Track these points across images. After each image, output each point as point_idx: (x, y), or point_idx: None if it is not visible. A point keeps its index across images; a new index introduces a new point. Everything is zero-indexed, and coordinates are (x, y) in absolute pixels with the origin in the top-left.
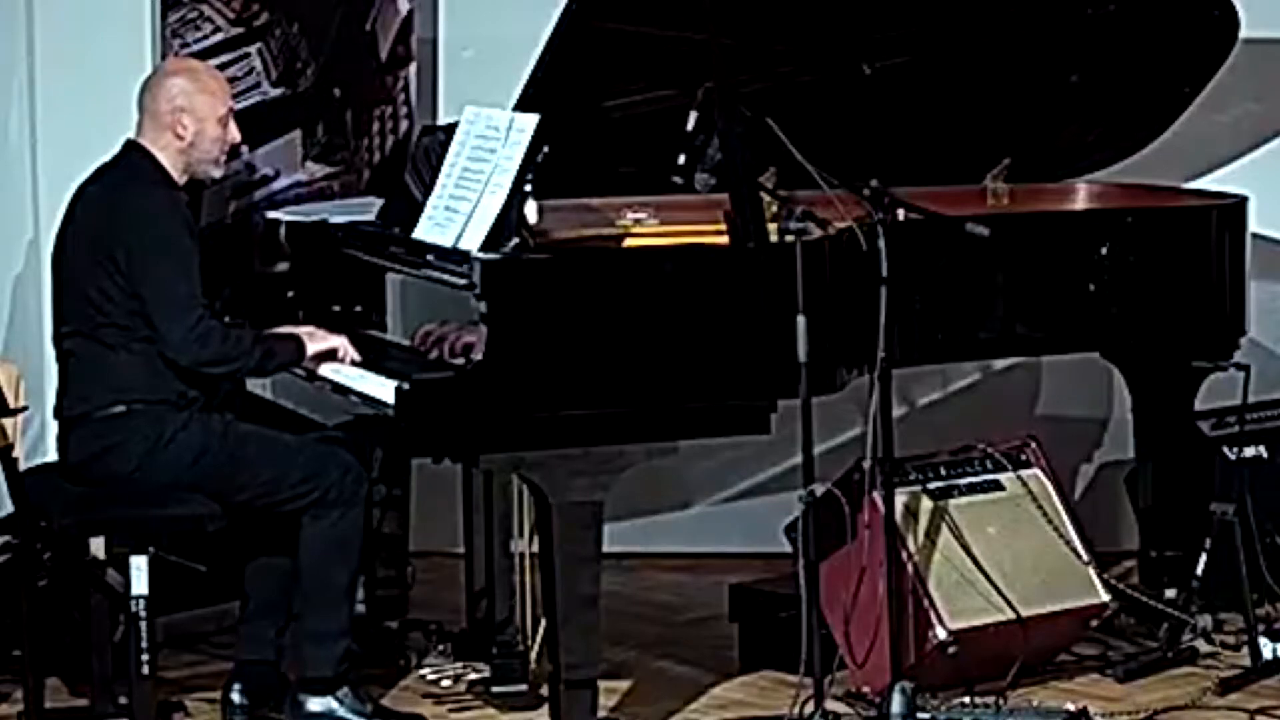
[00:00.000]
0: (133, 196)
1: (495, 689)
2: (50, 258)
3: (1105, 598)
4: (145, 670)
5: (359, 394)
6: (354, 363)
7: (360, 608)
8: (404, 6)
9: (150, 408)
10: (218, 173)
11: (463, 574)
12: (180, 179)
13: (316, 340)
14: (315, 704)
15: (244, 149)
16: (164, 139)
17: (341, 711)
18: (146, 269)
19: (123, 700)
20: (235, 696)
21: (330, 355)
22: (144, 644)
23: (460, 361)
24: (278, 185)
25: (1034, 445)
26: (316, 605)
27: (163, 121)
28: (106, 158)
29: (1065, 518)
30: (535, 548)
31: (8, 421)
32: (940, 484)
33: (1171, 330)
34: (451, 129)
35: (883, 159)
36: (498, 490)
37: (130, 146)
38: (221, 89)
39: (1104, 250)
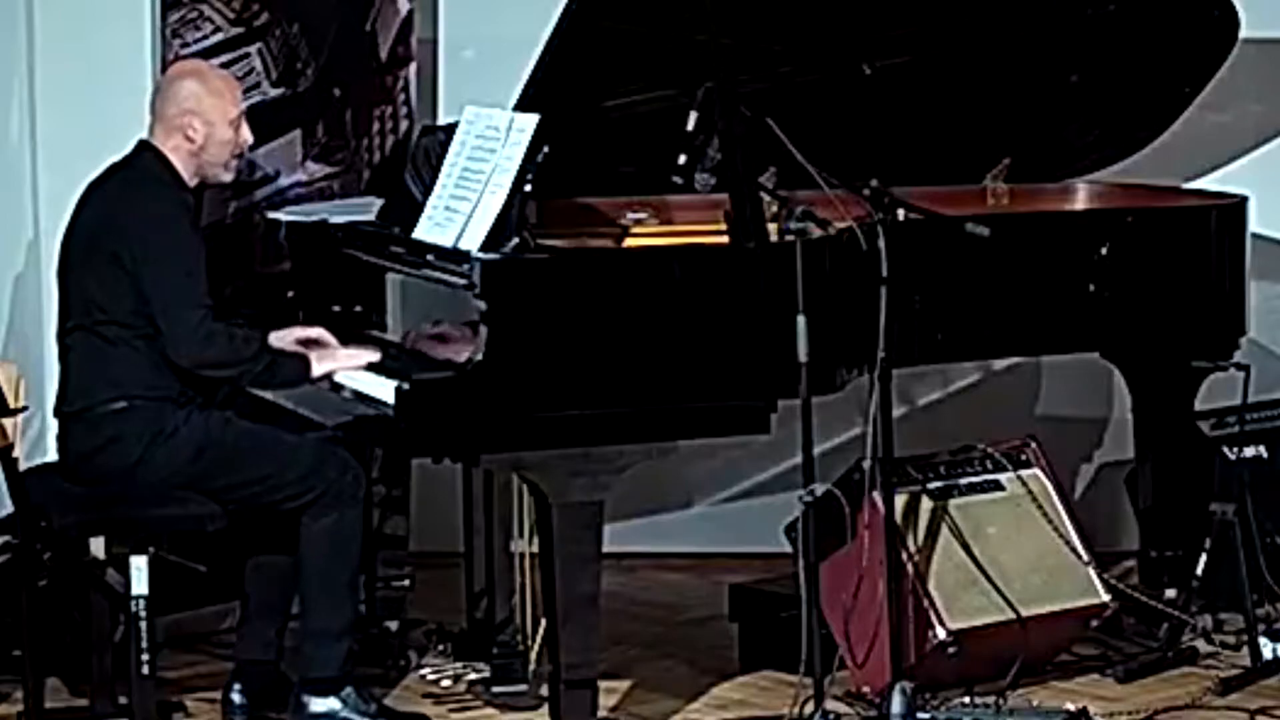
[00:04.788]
0: (141, 197)
1: (495, 689)
2: (58, 255)
3: (1105, 598)
4: (145, 670)
5: (359, 394)
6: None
7: (360, 608)
8: (404, 6)
9: (151, 404)
10: (228, 176)
11: (463, 574)
12: (191, 181)
13: (324, 361)
14: (319, 704)
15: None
16: (174, 141)
17: (345, 712)
18: (152, 270)
19: (123, 700)
20: (235, 696)
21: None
22: (144, 644)
23: (458, 362)
24: (278, 185)
25: (1034, 445)
26: (317, 605)
27: (173, 124)
28: (117, 157)
29: (1065, 518)
30: (535, 548)
31: (8, 421)
32: (940, 484)
33: (1171, 330)
34: (451, 129)
35: (883, 159)
36: (498, 490)
37: (142, 147)
38: (232, 92)
39: (1104, 250)
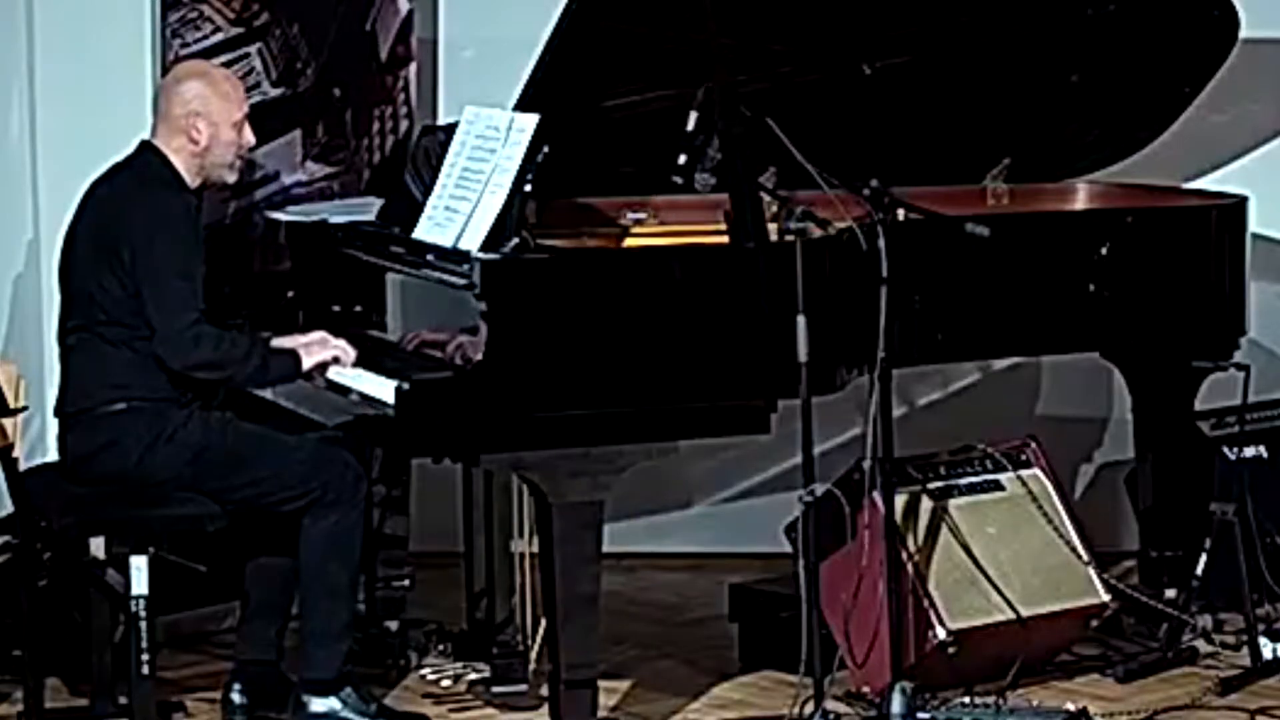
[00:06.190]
0: (143, 198)
1: (495, 689)
2: (60, 254)
3: (1105, 598)
4: (145, 670)
5: (359, 394)
6: (354, 363)
7: (360, 608)
8: (404, 6)
9: (151, 405)
10: (232, 177)
11: (463, 574)
12: (193, 182)
13: (314, 353)
14: (318, 704)
15: None
16: (177, 141)
17: (345, 712)
18: (149, 270)
19: (123, 700)
20: (235, 696)
21: (331, 361)
22: (144, 644)
23: (458, 363)
24: (278, 185)
25: (1034, 445)
26: (317, 605)
27: (177, 125)
28: (119, 157)
29: (1065, 518)
30: (535, 548)
31: (8, 421)
32: (940, 484)
33: (1171, 330)
34: (451, 129)
35: (883, 159)
36: (498, 490)
37: (144, 147)
38: (237, 93)
39: (1104, 250)
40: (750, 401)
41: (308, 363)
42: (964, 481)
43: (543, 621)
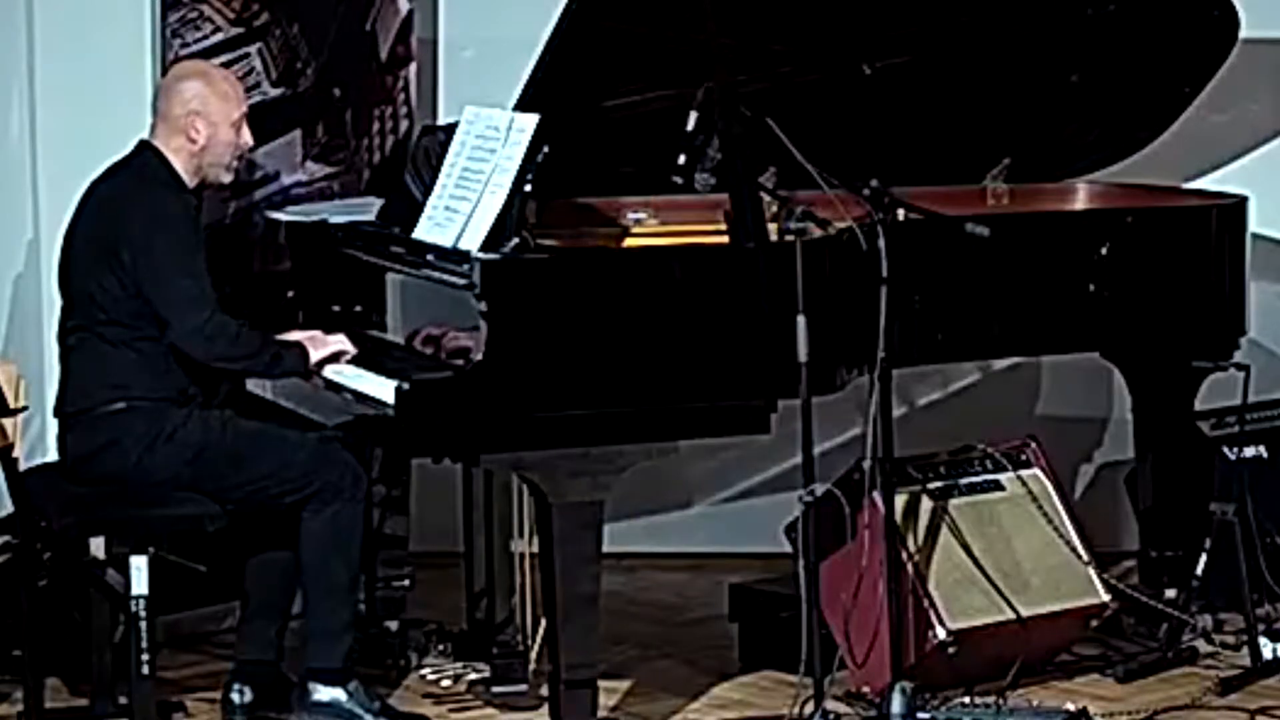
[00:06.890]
0: (142, 197)
1: (495, 689)
2: (59, 254)
3: (1105, 598)
4: (145, 670)
5: (359, 394)
6: (353, 360)
7: (360, 608)
8: (404, 6)
9: (151, 404)
10: (228, 177)
11: (463, 574)
12: (191, 181)
13: (318, 348)
14: (323, 693)
15: None
16: (176, 141)
17: (349, 704)
18: (154, 271)
19: (123, 700)
20: (235, 696)
21: (334, 358)
22: (144, 644)
23: (459, 363)
24: (278, 185)
25: (1034, 445)
26: (319, 602)
27: (176, 125)
28: (118, 156)
29: (1065, 518)
30: (535, 548)
31: (8, 421)
32: (940, 484)
33: (1171, 330)
34: (451, 129)
35: (883, 159)
36: (498, 490)
37: (143, 146)
38: (236, 94)
39: (1104, 250)
40: (750, 401)
41: (315, 356)
42: (964, 481)
43: (543, 621)
